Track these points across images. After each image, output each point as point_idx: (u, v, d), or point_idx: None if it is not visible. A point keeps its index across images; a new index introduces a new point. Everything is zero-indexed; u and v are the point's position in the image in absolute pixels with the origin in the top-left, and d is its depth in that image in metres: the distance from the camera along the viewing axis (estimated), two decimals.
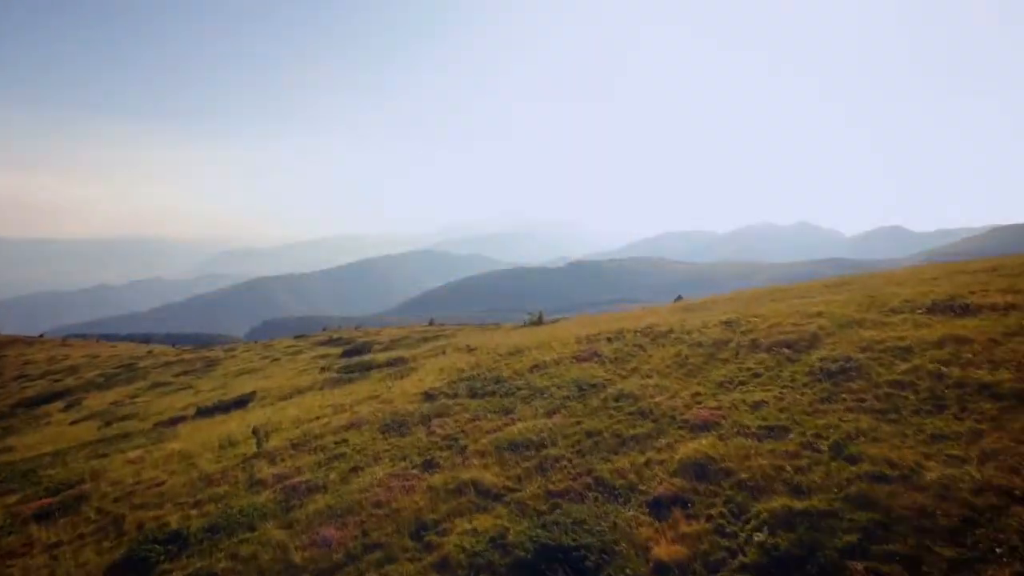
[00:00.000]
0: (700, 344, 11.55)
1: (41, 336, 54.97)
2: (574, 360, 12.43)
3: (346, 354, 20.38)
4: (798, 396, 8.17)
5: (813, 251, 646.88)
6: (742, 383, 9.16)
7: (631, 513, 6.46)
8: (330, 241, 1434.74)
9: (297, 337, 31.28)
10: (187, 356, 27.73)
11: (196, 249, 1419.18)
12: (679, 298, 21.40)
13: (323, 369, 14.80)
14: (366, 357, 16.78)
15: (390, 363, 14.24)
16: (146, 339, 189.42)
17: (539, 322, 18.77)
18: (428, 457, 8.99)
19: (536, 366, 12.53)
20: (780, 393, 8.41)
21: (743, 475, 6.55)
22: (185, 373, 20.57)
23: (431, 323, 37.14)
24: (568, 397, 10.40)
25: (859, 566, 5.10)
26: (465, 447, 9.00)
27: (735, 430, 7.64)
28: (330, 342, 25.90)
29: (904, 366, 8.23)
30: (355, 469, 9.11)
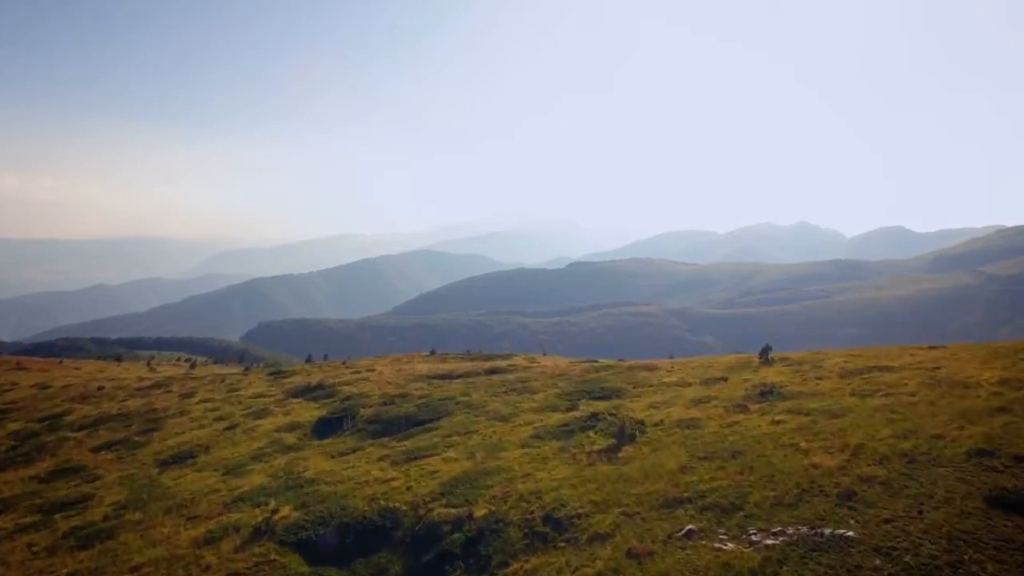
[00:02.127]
0: None
1: None
2: None
3: (320, 427, 15.67)
4: None
5: (813, 252, 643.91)
6: None
7: None
8: (329, 241, 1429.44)
9: (272, 375, 26.57)
10: (133, 404, 23.03)
11: (195, 249, 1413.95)
12: (766, 350, 16.47)
13: (258, 532, 9.95)
14: (345, 449, 12.01)
15: (376, 532, 9.42)
16: (137, 343, 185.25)
17: (625, 438, 11.16)
18: None
19: None
20: None
21: None
22: (110, 446, 16.11)
23: (432, 353, 32.48)
24: None
25: None
26: None
27: None
28: (308, 391, 21.18)
29: None
30: None
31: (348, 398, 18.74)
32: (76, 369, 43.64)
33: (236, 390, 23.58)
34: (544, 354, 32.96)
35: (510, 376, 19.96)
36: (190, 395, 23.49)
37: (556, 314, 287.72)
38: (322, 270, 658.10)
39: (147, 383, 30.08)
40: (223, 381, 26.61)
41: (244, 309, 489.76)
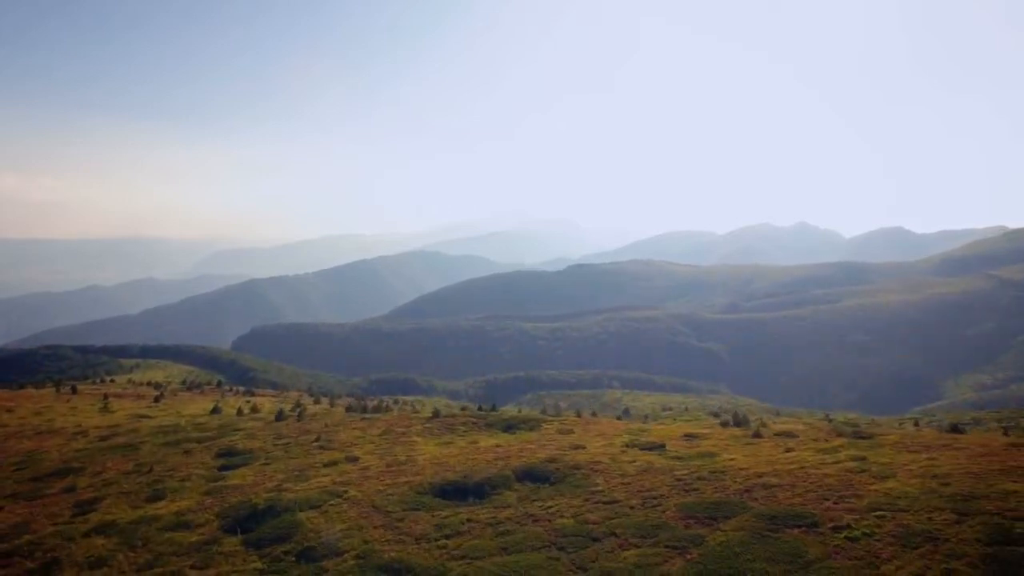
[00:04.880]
0: None
1: None
2: None
3: None
4: None
5: (813, 252, 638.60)
6: None
7: None
8: (327, 241, 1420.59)
9: (222, 461, 19.65)
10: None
11: (194, 249, 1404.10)
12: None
13: None
14: None
15: None
16: (123, 351, 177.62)
17: None
18: None
19: None
20: None
21: None
22: None
23: (435, 416, 25.67)
24: None
25: None
26: None
27: None
28: (253, 519, 14.22)
29: None
30: None
31: (308, 552, 11.92)
32: (8, 412, 36.64)
33: (158, 499, 16.71)
34: (579, 415, 26.11)
35: (563, 507, 13.07)
36: (91, 506, 16.58)
37: (557, 318, 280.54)
38: (319, 271, 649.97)
39: (68, 454, 23.16)
40: (149, 472, 19.61)
41: (239, 310, 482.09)
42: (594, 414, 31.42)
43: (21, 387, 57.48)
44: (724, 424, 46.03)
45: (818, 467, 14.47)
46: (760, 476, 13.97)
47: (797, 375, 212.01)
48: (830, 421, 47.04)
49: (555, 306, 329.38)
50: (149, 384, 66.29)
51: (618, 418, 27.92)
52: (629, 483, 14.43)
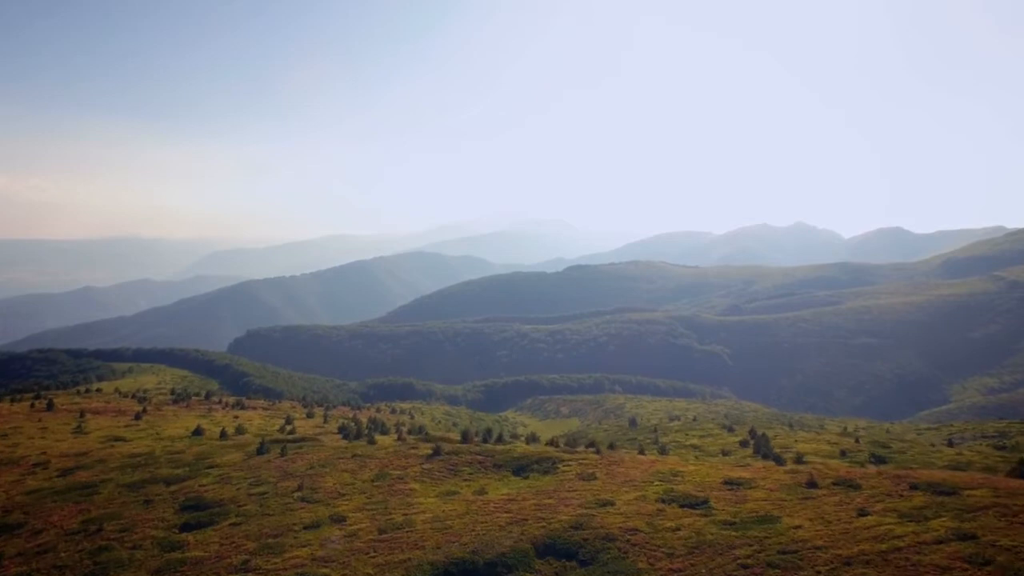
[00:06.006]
0: None
1: None
2: None
3: None
4: None
5: (812, 253, 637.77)
6: None
7: None
8: (324, 242, 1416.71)
9: (168, 548, 16.64)
10: None
11: (188, 249, 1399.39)
12: None
13: None
14: None
15: None
16: (115, 355, 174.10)
17: None
18: None
19: None
20: None
21: None
22: None
23: (435, 453, 22.78)
24: None
25: None
26: None
27: None
28: None
29: None
30: None
31: None
32: None
33: None
34: (598, 451, 23.13)
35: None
36: None
37: (556, 321, 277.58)
38: (314, 272, 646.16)
39: (16, 498, 20.22)
40: (97, 533, 16.63)
41: (234, 312, 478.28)
42: (611, 446, 28.44)
43: None
44: (743, 444, 43.18)
45: (917, 548, 11.58)
46: (848, 564, 11.07)
47: (800, 378, 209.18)
48: (857, 440, 44.20)
49: (554, 308, 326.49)
50: (135, 396, 63.21)
51: (640, 452, 24.98)
52: (680, 570, 11.52)
